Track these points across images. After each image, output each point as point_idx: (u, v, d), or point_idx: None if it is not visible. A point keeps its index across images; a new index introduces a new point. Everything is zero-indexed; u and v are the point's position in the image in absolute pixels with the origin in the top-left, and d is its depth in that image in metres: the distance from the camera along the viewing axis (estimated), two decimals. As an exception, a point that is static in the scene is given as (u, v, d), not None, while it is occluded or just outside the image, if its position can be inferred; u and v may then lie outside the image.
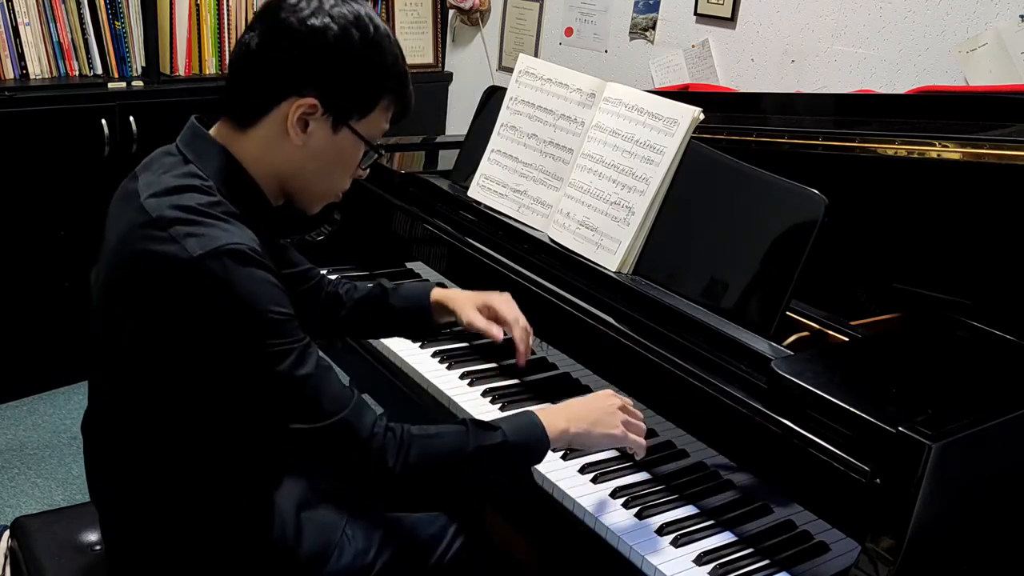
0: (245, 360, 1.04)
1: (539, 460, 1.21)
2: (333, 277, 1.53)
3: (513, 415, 1.23)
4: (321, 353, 1.11)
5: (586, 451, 1.24)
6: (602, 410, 1.25)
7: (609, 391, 1.32)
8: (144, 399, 1.12)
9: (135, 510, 1.20)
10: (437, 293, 1.50)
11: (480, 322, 1.42)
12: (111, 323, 1.12)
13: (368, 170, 1.24)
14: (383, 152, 1.18)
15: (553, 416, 1.22)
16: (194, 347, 1.04)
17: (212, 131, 1.17)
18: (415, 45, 3.35)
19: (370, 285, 1.53)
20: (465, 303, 1.45)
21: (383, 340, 1.72)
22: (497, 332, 1.40)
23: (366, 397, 2.13)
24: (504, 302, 1.45)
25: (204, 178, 1.11)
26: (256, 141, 1.14)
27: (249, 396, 1.07)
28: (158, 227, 1.04)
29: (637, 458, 1.30)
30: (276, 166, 1.15)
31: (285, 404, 1.06)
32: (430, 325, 1.51)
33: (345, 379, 1.54)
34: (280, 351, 1.04)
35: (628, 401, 1.30)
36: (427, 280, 1.88)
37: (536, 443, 1.18)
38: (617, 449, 1.34)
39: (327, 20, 1.10)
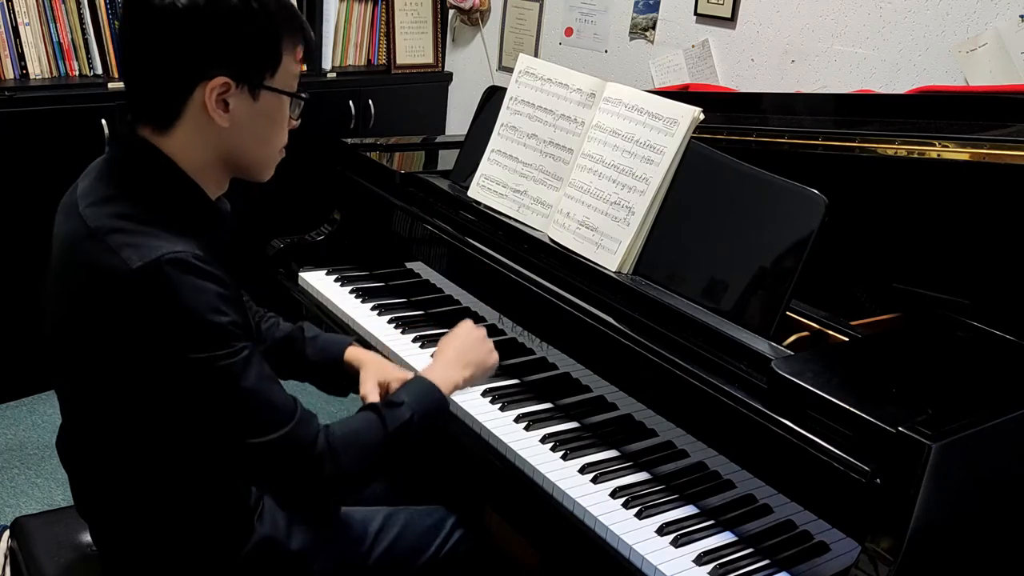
0: (190, 371, 1.02)
1: (445, 418, 1.32)
2: (256, 308, 1.52)
3: (409, 382, 1.31)
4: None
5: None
6: (478, 349, 1.40)
7: (469, 323, 1.45)
8: (110, 409, 1.11)
9: (122, 519, 1.20)
10: (352, 353, 1.48)
11: (372, 398, 1.37)
12: (65, 335, 1.11)
13: (299, 120, 1.20)
14: (307, 97, 1.17)
15: (443, 373, 1.33)
16: (141, 359, 1.03)
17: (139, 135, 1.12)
18: (415, 45, 3.35)
19: (291, 327, 1.52)
20: (369, 375, 1.42)
21: (385, 343, 1.72)
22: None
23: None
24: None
25: (140, 184, 1.09)
26: (183, 137, 1.10)
27: (197, 406, 1.05)
28: (96, 238, 1.03)
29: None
30: (213, 153, 1.12)
31: (233, 417, 1.06)
32: (343, 381, 1.48)
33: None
34: (225, 364, 1.03)
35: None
36: (421, 289, 1.88)
37: (438, 407, 1.29)
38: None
39: None
